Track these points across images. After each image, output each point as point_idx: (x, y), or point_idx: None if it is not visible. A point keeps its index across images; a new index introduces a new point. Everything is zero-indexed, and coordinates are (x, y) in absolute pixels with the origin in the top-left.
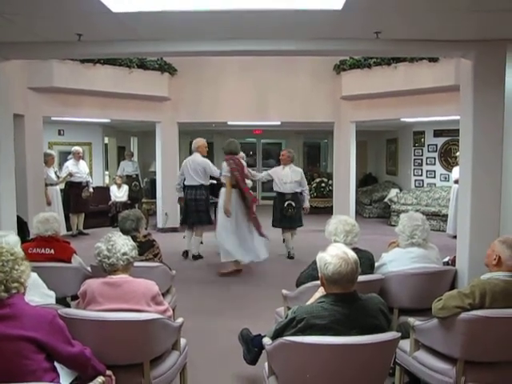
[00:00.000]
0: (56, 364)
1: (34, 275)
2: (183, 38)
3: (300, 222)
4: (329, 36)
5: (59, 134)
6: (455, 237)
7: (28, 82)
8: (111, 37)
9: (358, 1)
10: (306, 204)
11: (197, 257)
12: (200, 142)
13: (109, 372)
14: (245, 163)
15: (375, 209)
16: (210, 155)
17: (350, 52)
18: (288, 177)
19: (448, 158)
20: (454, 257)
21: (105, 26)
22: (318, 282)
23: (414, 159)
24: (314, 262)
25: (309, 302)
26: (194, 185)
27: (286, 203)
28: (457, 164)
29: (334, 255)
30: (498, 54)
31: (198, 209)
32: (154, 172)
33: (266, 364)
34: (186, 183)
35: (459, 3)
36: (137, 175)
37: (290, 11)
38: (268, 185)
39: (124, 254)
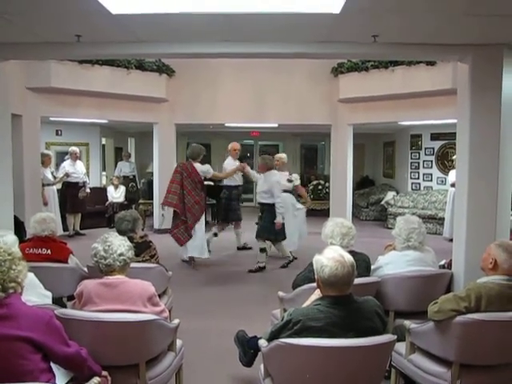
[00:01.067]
0: (52, 364)
1: (31, 275)
2: (181, 40)
3: (269, 233)
4: (327, 39)
5: (57, 134)
6: (452, 240)
7: (26, 82)
8: (110, 38)
9: (356, 5)
10: (277, 219)
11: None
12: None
13: (104, 373)
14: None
15: (372, 211)
16: (207, 157)
17: (348, 55)
18: (260, 186)
19: (445, 161)
20: (451, 260)
21: (104, 27)
22: (315, 285)
23: (411, 162)
24: (311, 265)
25: (305, 305)
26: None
27: (260, 214)
28: (453, 167)
29: (331, 258)
30: (494, 58)
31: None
32: (151, 173)
33: (262, 366)
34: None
35: (456, 8)
36: (134, 176)
37: (289, 14)
38: None
39: (120, 254)
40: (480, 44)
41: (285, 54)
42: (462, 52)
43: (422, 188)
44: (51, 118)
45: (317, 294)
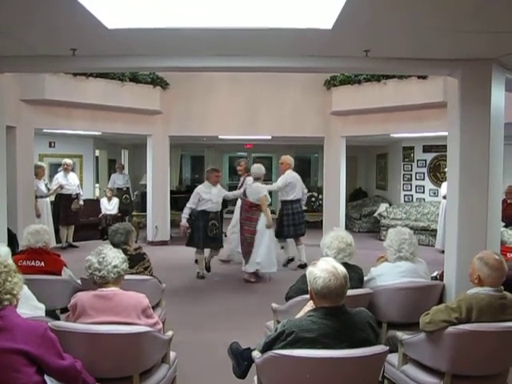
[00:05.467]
0: (45, 377)
1: (24, 287)
2: (176, 54)
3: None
4: (319, 54)
5: (50, 146)
6: (444, 251)
7: (20, 94)
8: (105, 52)
9: (348, 20)
10: None
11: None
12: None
13: None
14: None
15: (365, 223)
16: (201, 169)
17: (340, 69)
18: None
19: (437, 173)
20: (443, 271)
21: (99, 41)
22: (308, 296)
23: (404, 174)
24: (304, 276)
25: (298, 316)
26: None
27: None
28: (445, 179)
29: (324, 269)
30: (483, 72)
31: None
32: (145, 185)
33: (256, 377)
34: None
35: (446, 24)
36: (127, 188)
37: (281, 29)
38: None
39: (115, 266)
40: (469, 59)
41: (278, 68)
42: (452, 67)
43: (414, 200)
44: (45, 130)
45: (310, 305)
